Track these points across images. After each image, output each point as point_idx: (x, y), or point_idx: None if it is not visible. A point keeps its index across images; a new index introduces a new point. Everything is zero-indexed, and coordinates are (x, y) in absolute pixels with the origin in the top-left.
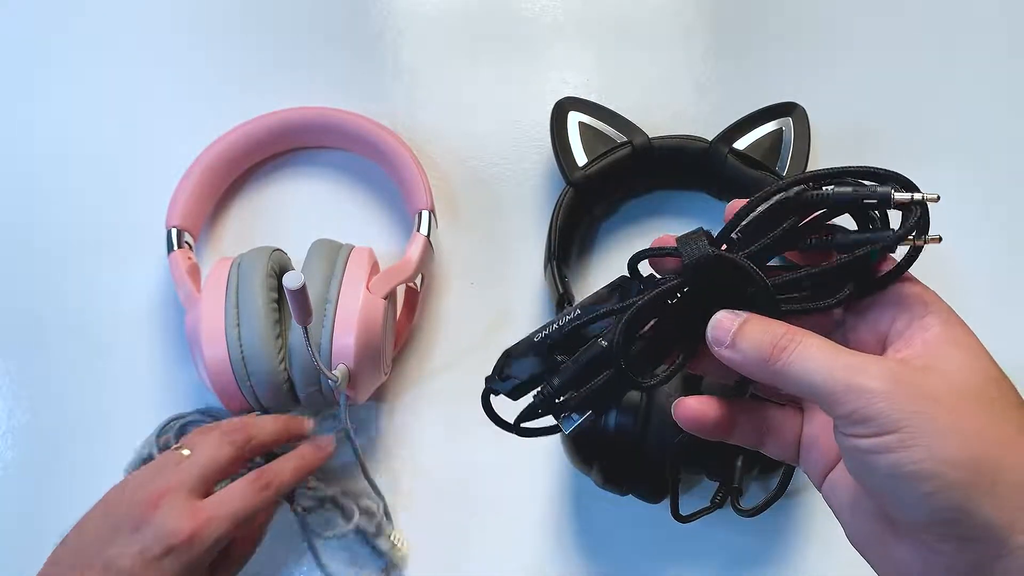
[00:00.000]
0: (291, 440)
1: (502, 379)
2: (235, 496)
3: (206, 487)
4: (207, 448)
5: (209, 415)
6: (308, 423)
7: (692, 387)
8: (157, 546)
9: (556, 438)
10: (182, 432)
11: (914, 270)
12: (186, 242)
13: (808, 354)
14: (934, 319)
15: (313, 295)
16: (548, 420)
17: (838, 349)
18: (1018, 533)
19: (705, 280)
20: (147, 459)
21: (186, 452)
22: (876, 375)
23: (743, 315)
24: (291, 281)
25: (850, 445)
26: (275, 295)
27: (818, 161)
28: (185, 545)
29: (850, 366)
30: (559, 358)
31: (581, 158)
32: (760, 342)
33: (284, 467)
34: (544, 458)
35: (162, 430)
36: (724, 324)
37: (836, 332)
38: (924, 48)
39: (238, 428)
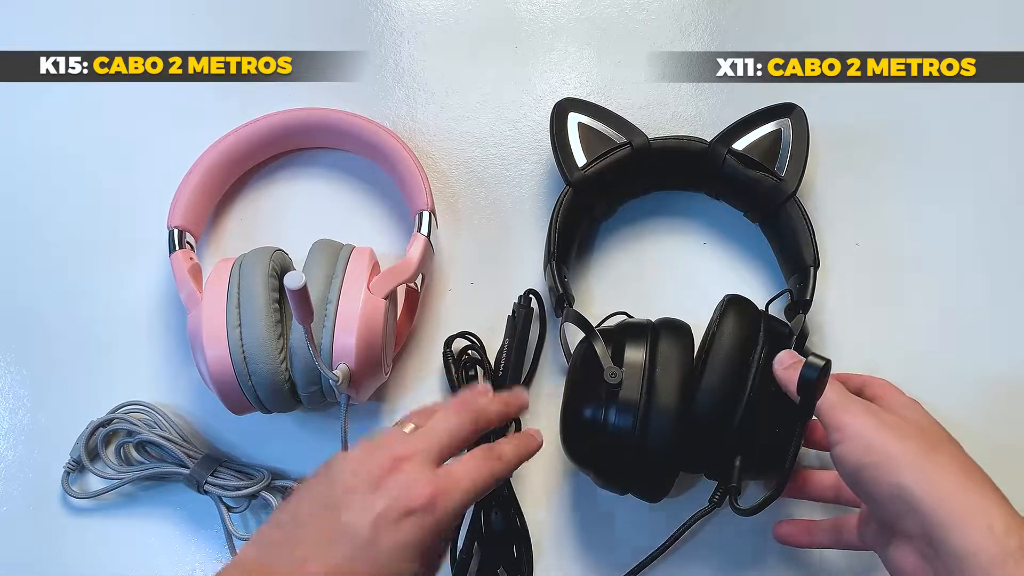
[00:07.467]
0: (511, 417)
1: None
2: (472, 467)
3: (443, 457)
4: (444, 421)
5: (127, 419)
6: (525, 396)
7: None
8: (397, 508)
9: (555, 437)
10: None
11: (916, 268)
12: (188, 242)
13: None
14: None
15: (314, 295)
16: None
17: None
18: None
19: None
20: (76, 461)
21: (408, 429)
22: None
23: None
24: (292, 281)
25: None
26: (276, 295)
27: (818, 161)
28: (427, 509)
29: None
30: None
31: (581, 158)
32: None
33: (507, 446)
34: (544, 457)
35: (89, 437)
36: None
37: None
38: (923, 48)
39: (467, 404)
